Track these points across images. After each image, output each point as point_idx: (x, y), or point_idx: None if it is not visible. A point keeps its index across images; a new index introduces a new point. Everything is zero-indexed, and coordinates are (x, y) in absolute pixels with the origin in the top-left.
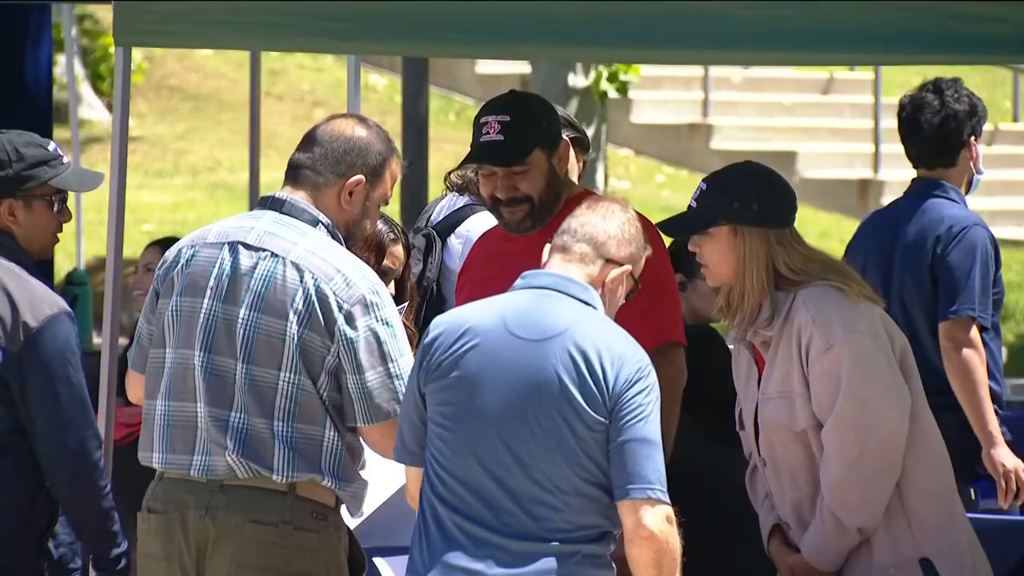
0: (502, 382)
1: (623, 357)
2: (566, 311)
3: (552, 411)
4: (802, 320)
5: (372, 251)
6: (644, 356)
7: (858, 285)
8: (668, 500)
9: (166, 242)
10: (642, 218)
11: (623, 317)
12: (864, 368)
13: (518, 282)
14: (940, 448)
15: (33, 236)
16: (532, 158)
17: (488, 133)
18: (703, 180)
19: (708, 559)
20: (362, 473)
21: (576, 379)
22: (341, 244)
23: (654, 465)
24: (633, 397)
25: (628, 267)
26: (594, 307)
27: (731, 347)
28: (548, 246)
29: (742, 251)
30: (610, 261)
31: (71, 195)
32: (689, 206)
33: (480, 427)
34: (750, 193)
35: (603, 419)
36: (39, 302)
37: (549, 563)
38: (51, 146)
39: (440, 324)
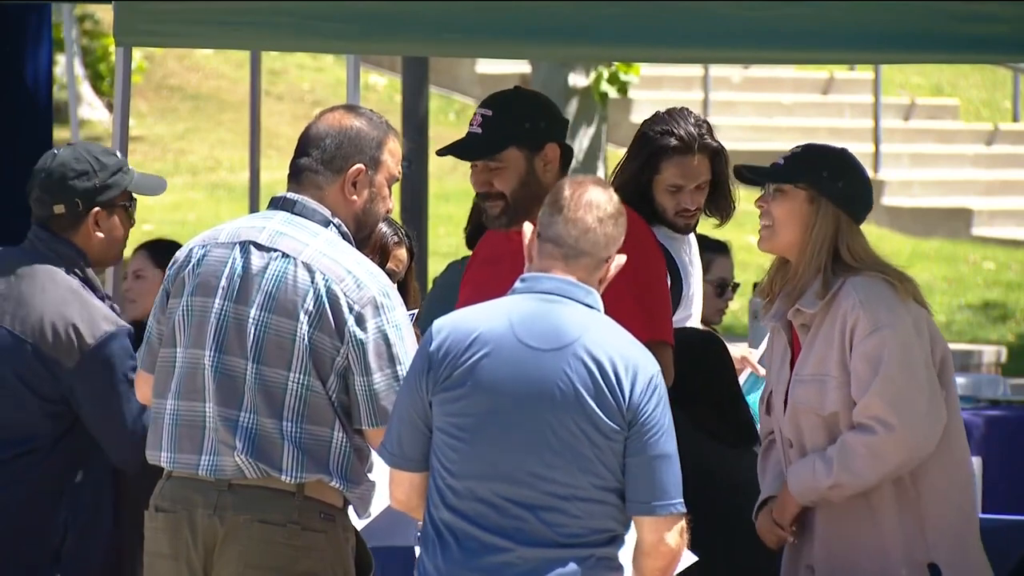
0: (516, 393)
1: (637, 365)
2: (575, 318)
3: (568, 421)
4: (849, 304)
5: (376, 254)
6: (655, 363)
7: (912, 287)
8: (684, 509)
9: (154, 246)
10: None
11: (610, 315)
12: (905, 357)
13: (519, 285)
14: (965, 459)
15: (111, 245)
16: (507, 156)
17: (472, 125)
18: (797, 145)
19: (705, 559)
20: (369, 475)
21: (592, 389)
22: (352, 245)
23: (675, 478)
24: (653, 411)
25: (623, 257)
26: (598, 309)
27: (768, 325)
28: (529, 228)
29: (812, 222)
30: (608, 259)
31: None
32: (775, 163)
33: (495, 438)
34: (841, 171)
35: (619, 428)
36: (99, 319)
37: (565, 569)
38: (118, 152)
39: (444, 329)
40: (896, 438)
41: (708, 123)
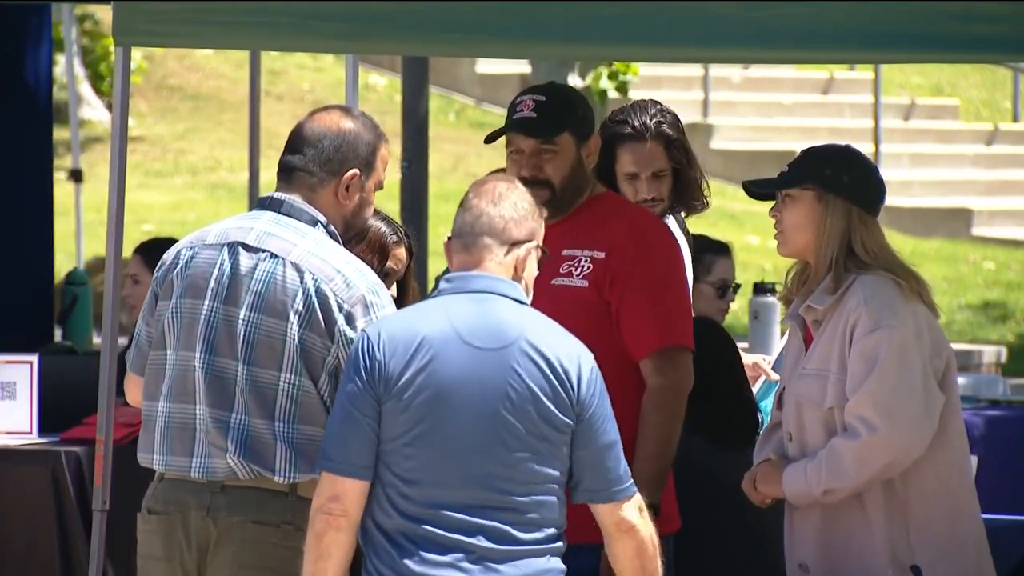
0: (469, 395)
1: (580, 357)
2: (511, 315)
3: (523, 419)
4: (854, 302)
5: (375, 253)
6: (589, 352)
7: (921, 287)
8: (636, 488)
9: (151, 248)
10: (636, 211)
11: (627, 320)
12: (902, 358)
13: (445, 285)
14: (961, 463)
15: None
16: (561, 140)
17: (522, 111)
18: (801, 151)
19: (705, 559)
20: None
21: (544, 385)
22: (339, 244)
23: (624, 461)
24: (599, 401)
25: (533, 242)
26: (526, 303)
27: (786, 324)
28: (448, 243)
29: (823, 219)
30: (515, 244)
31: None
32: (781, 172)
33: (451, 441)
34: (844, 165)
35: (571, 421)
36: None
37: (529, 565)
38: None
39: (383, 334)
40: (880, 440)
41: (674, 114)
